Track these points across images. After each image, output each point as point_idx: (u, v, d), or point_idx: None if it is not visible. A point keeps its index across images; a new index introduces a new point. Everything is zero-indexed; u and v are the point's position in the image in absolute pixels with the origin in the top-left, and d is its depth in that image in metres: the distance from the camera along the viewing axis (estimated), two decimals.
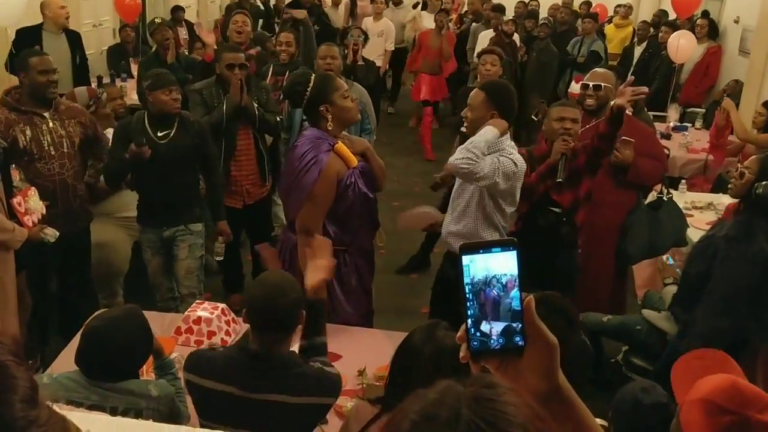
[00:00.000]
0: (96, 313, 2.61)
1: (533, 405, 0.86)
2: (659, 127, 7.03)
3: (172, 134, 4.01)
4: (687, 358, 2.04)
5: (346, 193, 3.35)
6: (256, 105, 4.63)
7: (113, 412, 2.35)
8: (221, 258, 4.52)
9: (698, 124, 7.88)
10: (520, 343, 1.03)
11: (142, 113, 4.10)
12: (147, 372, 2.86)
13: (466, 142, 3.35)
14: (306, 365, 2.37)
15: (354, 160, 3.36)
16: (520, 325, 1.03)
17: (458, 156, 3.29)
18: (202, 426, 2.35)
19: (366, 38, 7.85)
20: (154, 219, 4.14)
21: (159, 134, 4.00)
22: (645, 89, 3.62)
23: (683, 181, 6.05)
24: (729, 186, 3.53)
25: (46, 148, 3.91)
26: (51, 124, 3.95)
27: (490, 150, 3.34)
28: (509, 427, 0.82)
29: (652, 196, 4.46)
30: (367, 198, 3.45)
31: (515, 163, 3.38)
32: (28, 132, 3.87)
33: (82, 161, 4.22)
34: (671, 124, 7.64)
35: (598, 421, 2.67)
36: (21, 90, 3.96)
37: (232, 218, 4.51)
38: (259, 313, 2.29)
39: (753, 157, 3.48)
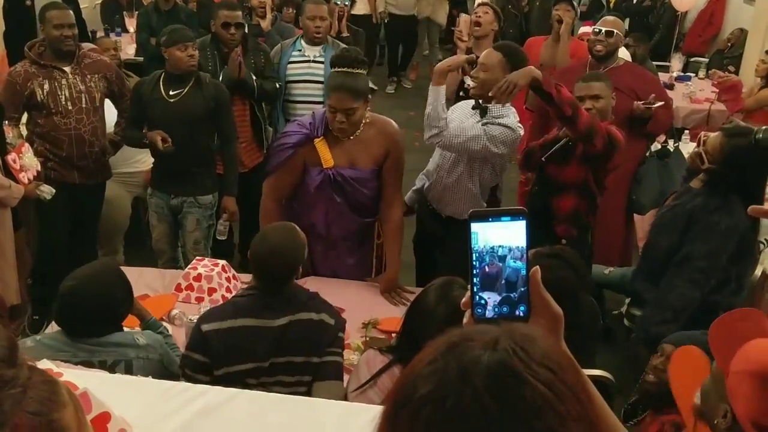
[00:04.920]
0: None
1: (567, 353, 0.86)
2: (662, 77, 6.93)
3: (183, 93, 3.85)
4: (726, 319, 1.95)
5: (311, 185, 3.33)
6: (253, 76, 4.34)
7: (102, 365, 2.34)
8: (224, 237, 4.28)
9: (701, 73, 7.77)
10: (524, 312, 1.03)
11: (159, 73, 3.95)
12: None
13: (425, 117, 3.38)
14: (309, 291, 2.57)
15: (329, 162, 3.30)
16: (525, 295, 1.03)
17: (426, 135, 3.40)
18: (221, 377, 2.37)
19: (352, 2, 7.42)
20: (164, 184, 4.03)
21: (171, 93, 3.86)
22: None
23: (686, 131, 5.99)
24: (689, 160, 3.30)
25: (63, 102, 3.88)
26: (71, 79, 3.91)
27: (489, 118, 3.34)
28: (545, 359, 0.82)
29: (654, 146, 4.42)
30: (333, 201, 3.37)
31: (510, 128, 3.34)
32: (46, 86, 3.85)
33: (102, 117, 4.12)
34: (674, 74, 7.53)
35: (601, 372, 2.69)
36: (44, 43, 3.93)
37: None
38: (262, 269, 2.47)
39: (715, 137, 3.17)
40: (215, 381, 2.33)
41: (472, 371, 0.80)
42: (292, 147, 3.29)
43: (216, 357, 2.39)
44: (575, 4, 5.35)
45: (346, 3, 6.23)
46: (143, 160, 4.49)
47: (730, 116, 6.09)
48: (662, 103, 4.01)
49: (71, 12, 3.97)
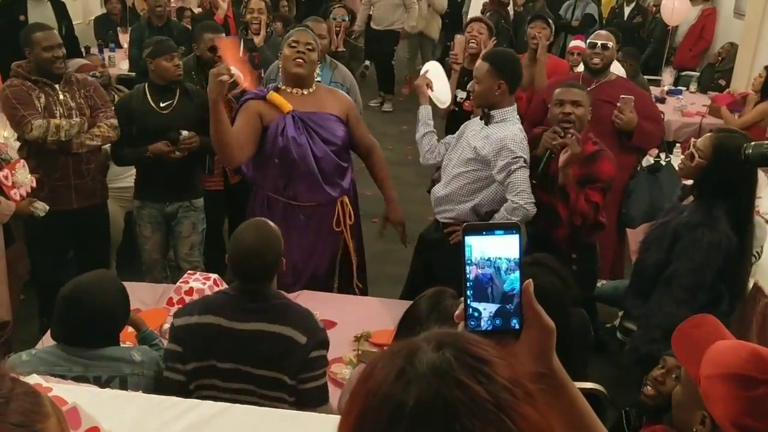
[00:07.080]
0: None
1: (520, 374, 0.88)
2: (654, 91, 6.99)
3: (174, 104, 3.91)
4: (684, 328, 2.01)
5: (276, 139, 3.40)
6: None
7: (97, 381, 2.32)
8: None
9: (693, 87, 7.83)
10: (516, 326, 1.04)
11: (142, 86, 3.98)
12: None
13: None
14: (289, 301, 2.52)
15: (287, 106, 3.40)
16: (517, 308, 1.04)
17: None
18: (191, 371, 2.39)
19: (352, 18, 7.44)
20: (157, 194, 4.02)
21: (161, 105, 3.90)
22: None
23: (678, 145, 6.02)
24: (679, 165, 3.26)
25: (58, 118, 3.82)
26: (62, 97, 3.86)
27: (491, 124, 3.42)
28: (483, 340, 0.90)
29: (646, 160, 4.43)
30: (297, 143, 3.40)
31: (488, 139, 3.39)
32: (43, 100, 3.79)
33: None
34: (666, 88, 7.59)
35: (593, 385, 2.69)
36: (30, 65, 3.84)
37: (215, 201, 4.39)
38: (240, 269, 2.44)
39: (706, 136, 3.13)
40: (188, 375, 2.41)
41: (445, 367, 0.84)
42: (252, 98, 3.43)
43: (186, 351, 2.43)
44: (551, 21, 5.33)
45: (345, 19, 6.18)
46: (135, 175, 4.48)
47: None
48: (631, 97, 4.02)
49: (56, 31, 3.91)
